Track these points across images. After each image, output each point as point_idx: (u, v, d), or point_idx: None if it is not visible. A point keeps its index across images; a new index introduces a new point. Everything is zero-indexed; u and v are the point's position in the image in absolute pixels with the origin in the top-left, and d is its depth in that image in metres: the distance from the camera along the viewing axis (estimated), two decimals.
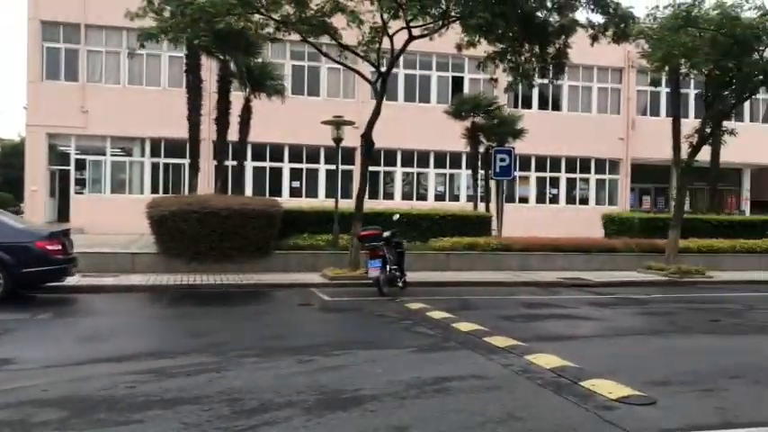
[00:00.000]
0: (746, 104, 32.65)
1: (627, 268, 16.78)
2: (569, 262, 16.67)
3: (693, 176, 16.80)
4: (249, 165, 27.04)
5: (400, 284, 12.52)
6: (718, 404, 5.35)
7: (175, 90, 23.36)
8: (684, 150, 16.57)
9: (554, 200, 30.71)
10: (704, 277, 15.52)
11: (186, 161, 21.31)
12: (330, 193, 28.47)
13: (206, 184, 23.03)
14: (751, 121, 32.76)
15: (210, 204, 14.24)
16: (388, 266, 11.84)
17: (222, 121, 19.04)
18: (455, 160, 28.84)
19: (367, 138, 13.68)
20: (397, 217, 13.17)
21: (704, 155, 24.33)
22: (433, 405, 5.18)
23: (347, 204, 16.42)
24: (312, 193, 27.77)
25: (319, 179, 28.11)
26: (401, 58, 15.43)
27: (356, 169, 28.34)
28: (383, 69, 13.95)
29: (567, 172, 30.81)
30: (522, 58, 13.85)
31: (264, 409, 4.96)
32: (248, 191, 26.60)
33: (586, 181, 31.13)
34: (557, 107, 30.59)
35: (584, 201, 30.98)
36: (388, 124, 27.80)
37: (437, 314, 9.55)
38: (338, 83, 28.07)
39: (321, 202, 24.35)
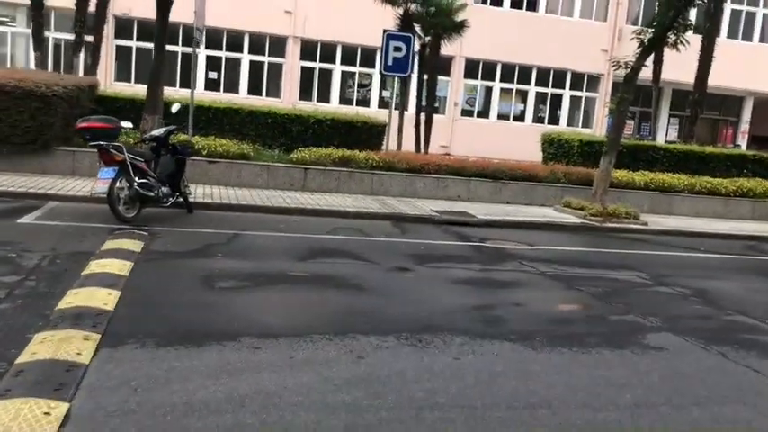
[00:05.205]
0: (758, 21, 27.94)
1: (545, 203, 13.03)
2: (469, 190, 12.87)
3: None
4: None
5: (180, 203, 8.86)
6: None
7: None
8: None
9: (520, 117, 26.45)
10: (635, 222, 11.68)
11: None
12: (254, 89, 24.45)
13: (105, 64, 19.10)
14: (761, 41, 27.94)
15: None
16: (136, 178, 8.05)
17: None
18: None
19: None
20: (176, 107, 9.22)
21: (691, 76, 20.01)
22: None
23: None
24: (233, 88, 23.66)
25: (241, 71, 23.91)
26: None
27: (286, 63, 24.36)
28: None
29: (537, 85, 26.37)
30: None
31: None
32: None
33: (559, 97, 26.73)
34: (532, 7, 25.82)
35: (555, 121, 26.67)
36: (326, 12, 23.59)
37: (104, 263, 5.88)
38: None
39: (244, 99, 20.17)
